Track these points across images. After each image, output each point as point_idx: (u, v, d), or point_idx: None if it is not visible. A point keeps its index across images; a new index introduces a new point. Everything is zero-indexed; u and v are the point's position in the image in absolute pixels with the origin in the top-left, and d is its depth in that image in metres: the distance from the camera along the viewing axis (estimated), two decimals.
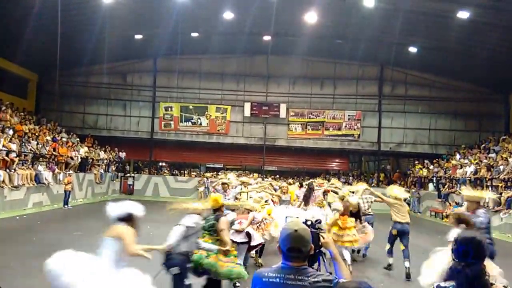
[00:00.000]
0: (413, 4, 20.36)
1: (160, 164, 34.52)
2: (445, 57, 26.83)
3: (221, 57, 30.56)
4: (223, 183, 12.02)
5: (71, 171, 22.68)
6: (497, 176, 20.18)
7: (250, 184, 13.49)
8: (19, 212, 17.23)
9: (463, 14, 20.19)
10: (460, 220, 5.84)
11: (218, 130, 31.36)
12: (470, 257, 2.92)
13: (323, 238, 3.48)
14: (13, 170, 17.99)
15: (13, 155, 18.38)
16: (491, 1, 19.15)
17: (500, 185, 19.58)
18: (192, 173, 32.33)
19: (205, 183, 28.29)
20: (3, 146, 18.07)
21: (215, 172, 31.96)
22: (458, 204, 22.12)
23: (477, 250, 2.95)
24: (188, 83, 31.29)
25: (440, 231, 17.21)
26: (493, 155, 23.27)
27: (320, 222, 6.98)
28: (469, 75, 28.40)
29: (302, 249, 2.82)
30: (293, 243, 2.81)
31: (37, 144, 21.56)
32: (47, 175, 20.38)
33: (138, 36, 27.05)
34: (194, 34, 27.12)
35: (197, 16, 24.14)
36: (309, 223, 6.25)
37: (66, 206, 20.16)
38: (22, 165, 19.25)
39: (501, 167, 20.30)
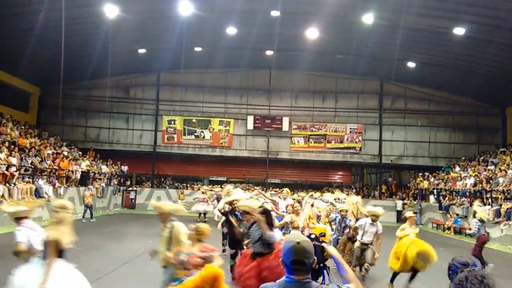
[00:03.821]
0: (410, 21, 20.81)
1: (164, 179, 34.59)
2: (443, 72, 27.40)
3: (224, 71, 31.01)
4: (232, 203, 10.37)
5: (90, 186, 22.90)
6: (496, 188, 20.51)
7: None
8: None
9: (459, 31, 20.73)
10: None
11: (221, 143, 31.62)
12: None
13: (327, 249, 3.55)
14: (13, 185, 17.74)
15: (13, 169, 18.19)
16: (485, 18, 19.66)
17: (500, 196, 19.89)
18: (195, 186, 32.44)
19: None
20: (4, 160, 17.87)
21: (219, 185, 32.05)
22: (458, 216, 22.50)
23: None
24: (192, 96, 31.61)
25: (442, 243, 17.52)
26: (492, 167, 23.62)
27: (324, 235, 7.25)
28: (467, 90, 28.90)
29: (305, 261, 2.82)
30: (296, 256, 2.81)
31: (41, 160, 21.36)
32: (47, 189, 20.19)
33: (141, 50, 27.35)
34: (198, 49, 27.46)
35: (201, 31, 24.40)
36: (313, 236, 6.50)
37: (92, 219, 20.64)
38: (23, 179, 19.08)
39: (500, 179, 20.64)
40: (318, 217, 12.82)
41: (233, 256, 9.73)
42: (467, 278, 2.59)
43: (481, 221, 11.97)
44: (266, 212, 7.56)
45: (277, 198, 15.19)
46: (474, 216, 13.58)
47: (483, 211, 11.55)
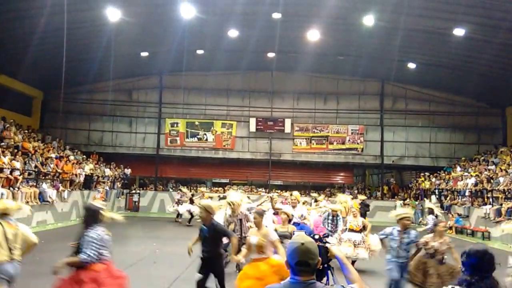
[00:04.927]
0: (411, 22, 20.98)
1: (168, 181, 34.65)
2: (443, 72, 27.51)
3: (226, 74, 31.07)
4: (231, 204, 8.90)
5: (100, 189, 23.10)
6: (496, 188, 20.62)
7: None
8: None
9: (459, 31, 20.88)
10: None
11: (224, 146, 31.72)
12: (484, 270, 3.11)
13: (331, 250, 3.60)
14: (16, 189, 17.72)
15: (16, 173, 18.19)
16: (485, 19, 19.80)
17: (500, 196, 20.00)
18: (199, 188, 32.43)
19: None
20: (7, 164, 17.89)
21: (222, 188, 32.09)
22: (460, 216, 22.58)
23: (490, 263, 3.16)
24: (194, 99, 31.72)
25: None
26: (493, 167, 23.73)
27: (327, 236, 7.15)
28: (467, 90, 29.06)
29: (309, 262, 2.83)
30: (301, 257, 2.82)
31: (43, 164, 21.38)
32: (51, 193, 20.26)
33: (144, 53, 27.44)
34: (200, 51, 27.56)
35: (203, 34, 24.53)
36: (316, 237, 6.53)
37: None
38: (27, 183, 19.13)
39: (501, 179, 20.75)
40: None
41: (199, 285, 7.29)
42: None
43: (437, 216, 12.34)
44: (88, 210, 5.75)
45: (280, 204, 12.58)
46: (431, 213, 14.05)
47: (436, 207, 11.90)
